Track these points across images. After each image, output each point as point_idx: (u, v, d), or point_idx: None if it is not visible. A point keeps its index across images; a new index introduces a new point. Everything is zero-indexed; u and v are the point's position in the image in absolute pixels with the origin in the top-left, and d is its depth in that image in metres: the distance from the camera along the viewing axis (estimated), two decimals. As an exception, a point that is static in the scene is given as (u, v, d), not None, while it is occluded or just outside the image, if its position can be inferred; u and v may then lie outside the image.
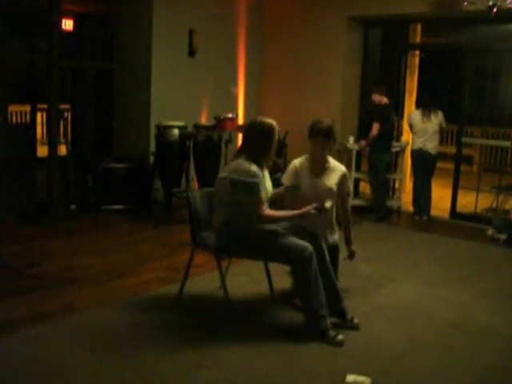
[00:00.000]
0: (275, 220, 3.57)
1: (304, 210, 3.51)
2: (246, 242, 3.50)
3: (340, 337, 3.34)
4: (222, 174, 3.59)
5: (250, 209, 3.47)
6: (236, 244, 3.53)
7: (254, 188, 3.42)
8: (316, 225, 3.76)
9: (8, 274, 4.12)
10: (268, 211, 3.51)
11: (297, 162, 4.02)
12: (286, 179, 3.98)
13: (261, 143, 3.54)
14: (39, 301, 3.76)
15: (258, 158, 3.53)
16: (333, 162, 4.02)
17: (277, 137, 3.59)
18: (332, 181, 3.94)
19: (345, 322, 3.57)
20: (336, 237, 4.03)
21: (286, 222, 3.64)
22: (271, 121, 3.60)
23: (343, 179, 3.99)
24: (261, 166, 3.54)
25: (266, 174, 3.69)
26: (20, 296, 3.82)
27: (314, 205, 3.52)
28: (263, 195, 3.47)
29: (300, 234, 3.53)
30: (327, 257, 3.59)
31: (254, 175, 3.43)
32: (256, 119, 3.66)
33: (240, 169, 3.46)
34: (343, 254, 4.08)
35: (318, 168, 3.95)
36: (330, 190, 3.91)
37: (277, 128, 3.58)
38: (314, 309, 3.37)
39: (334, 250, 3.93)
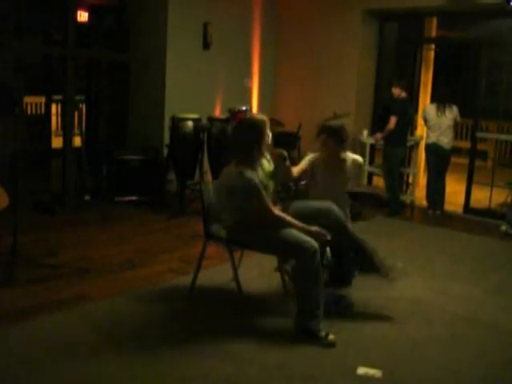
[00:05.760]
0: (283, 222, 3.42)
1: (313, 229, 3.41)
2: (252, 234, 3.47)
3: (331, 337, 3.24)
4: (219, 181, 3.60)
5: (257, 211, 3.40)
6: (243, 235, 3.51)
7: (252, 192, 3.35)
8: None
9: (25, 263, 4.18)
10: (279, 212, 3.45)
11: (313, 155, 4.00)
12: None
13: (249, 140, 3.43)
14: (55, 289, 3.82)
15: (248, 158, 3.44)
16: (348, 157, 3.98)
17: (268, 131, 3.46)
18: (345, 178, 3.92)
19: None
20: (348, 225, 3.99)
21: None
22: (261, 116, 3.52)
23: (352, 167, 3.95)
24: (253, 166, 3.44)
25: (266, 165, 3.59)
26: (36, 284, 3.88)
27: (322, 230, 3.42)
28: (265, 198, 3.38)
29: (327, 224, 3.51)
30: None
31: (249, 180, 3.34)
32: (246, 117, 3.65)
33: (233, 177, 3.40)
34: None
35: (331, 166, 3.93)
36: (342, 187, 3.89)
37: (267, 122, 3.46)
38: (307, 306, 3.28)
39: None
